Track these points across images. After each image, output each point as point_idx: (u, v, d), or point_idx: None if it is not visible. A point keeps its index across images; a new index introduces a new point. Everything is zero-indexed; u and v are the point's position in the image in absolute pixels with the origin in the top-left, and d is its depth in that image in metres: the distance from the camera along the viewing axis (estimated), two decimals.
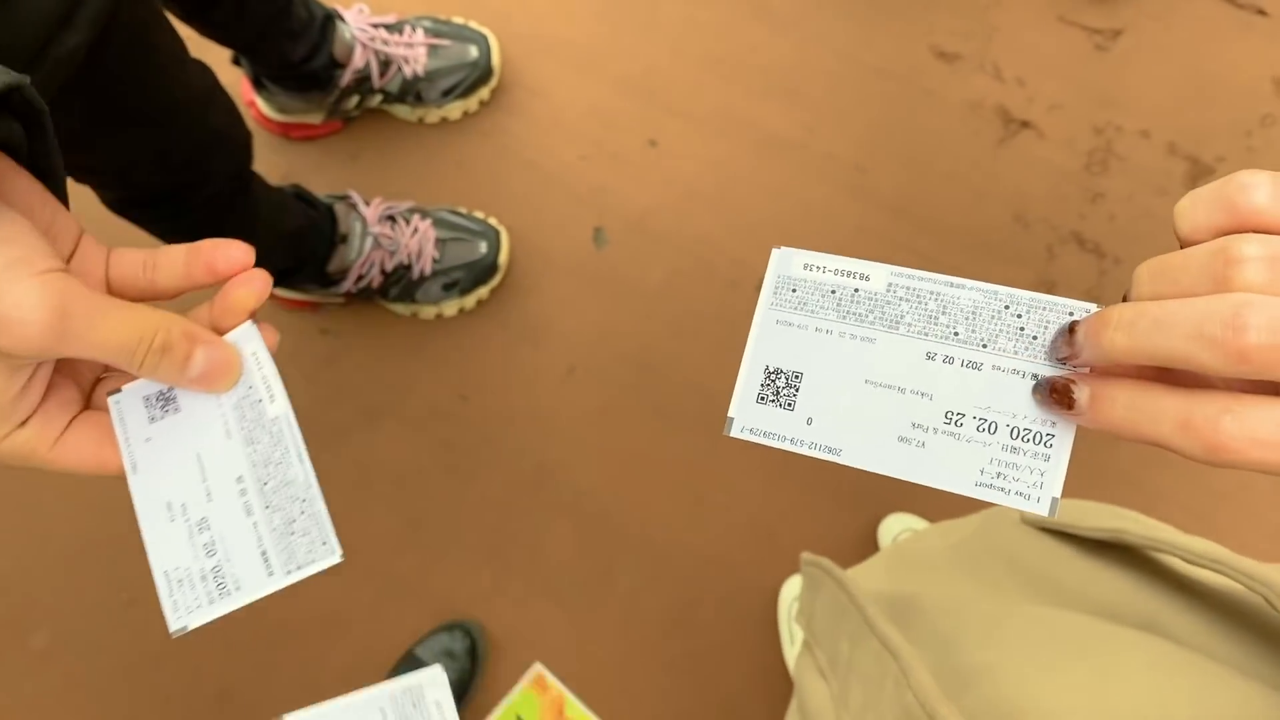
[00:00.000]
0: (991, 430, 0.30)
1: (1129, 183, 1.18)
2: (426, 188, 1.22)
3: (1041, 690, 0.42)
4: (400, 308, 1.19)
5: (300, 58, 1.09)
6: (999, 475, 0.29)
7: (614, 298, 1.20)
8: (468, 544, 1.17)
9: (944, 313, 0.31)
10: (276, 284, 1.06)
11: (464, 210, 1.19)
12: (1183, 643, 0.46)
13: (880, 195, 1.19)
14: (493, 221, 1.19)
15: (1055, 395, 0.29)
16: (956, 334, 0.30)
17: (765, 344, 0.34)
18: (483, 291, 1.19)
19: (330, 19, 1.11)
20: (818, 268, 0.33)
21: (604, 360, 1.19)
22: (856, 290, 0.32)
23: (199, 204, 0.83)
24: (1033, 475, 0.29)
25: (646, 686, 1.14)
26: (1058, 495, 0.29)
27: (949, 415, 0.30)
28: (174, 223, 0.84)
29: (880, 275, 0.32)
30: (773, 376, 0.33)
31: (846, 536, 1.15)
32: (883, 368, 0.31)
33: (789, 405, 0.33)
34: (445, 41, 1.19)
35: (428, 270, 1.15)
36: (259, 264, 0.33)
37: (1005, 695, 0.42)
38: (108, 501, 1.19)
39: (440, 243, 1.16)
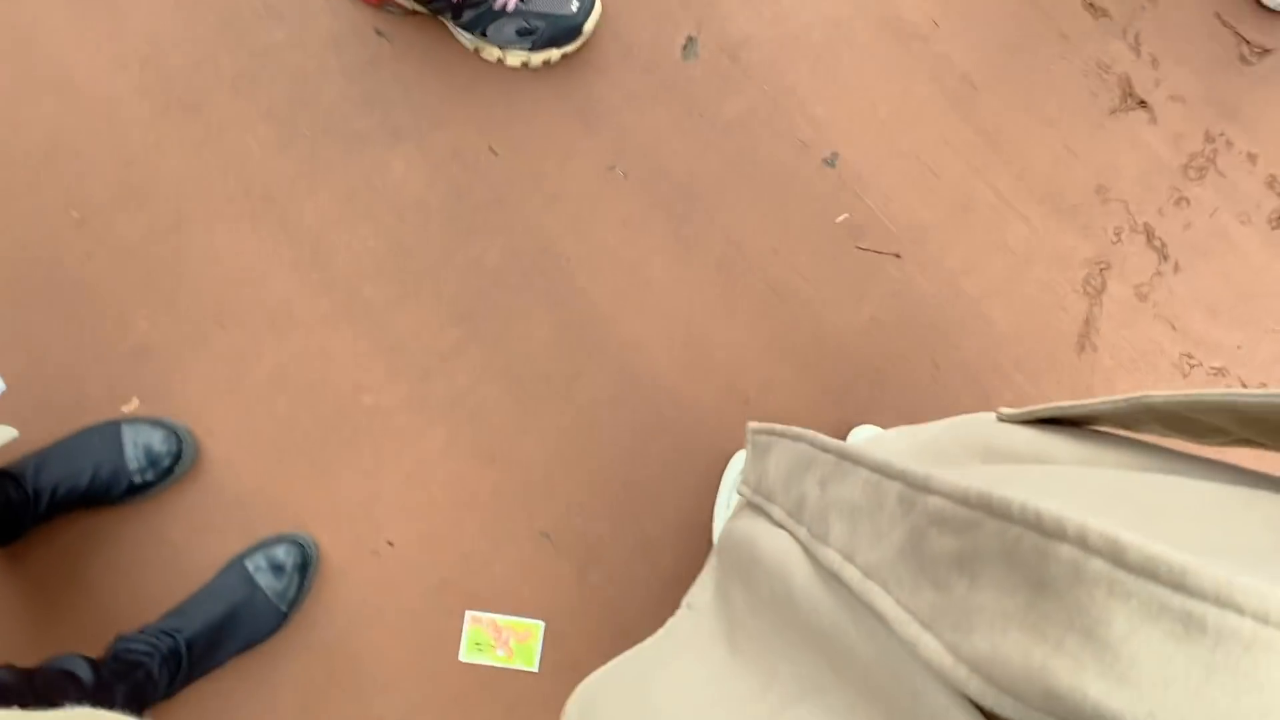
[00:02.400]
0: None
1: (1218, 198, 1.14)
2: None
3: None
4: (466, 38, 1.12)
5: None
6: None
7: (682, 114, 1.14)
8: (445, 296, 1.11)
9: None
10: None
11: None
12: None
13: (979, 115, 1.14)
14: None
15: None
16: None
17: None
18: (554, 53, 1.12)
19: None
20: None
21: (648, 170, 1.13)
22: None
23: None
24: None
25: (571, 499, 1.09)
26: None
27: None
28: None
29: None
30: None
31: (818, 428, 1.11)
32: None
33: None
34: None
35: (510, 6, 1.07)
36: None
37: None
38: (94, 106, 1.10)
39: None
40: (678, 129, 1.13)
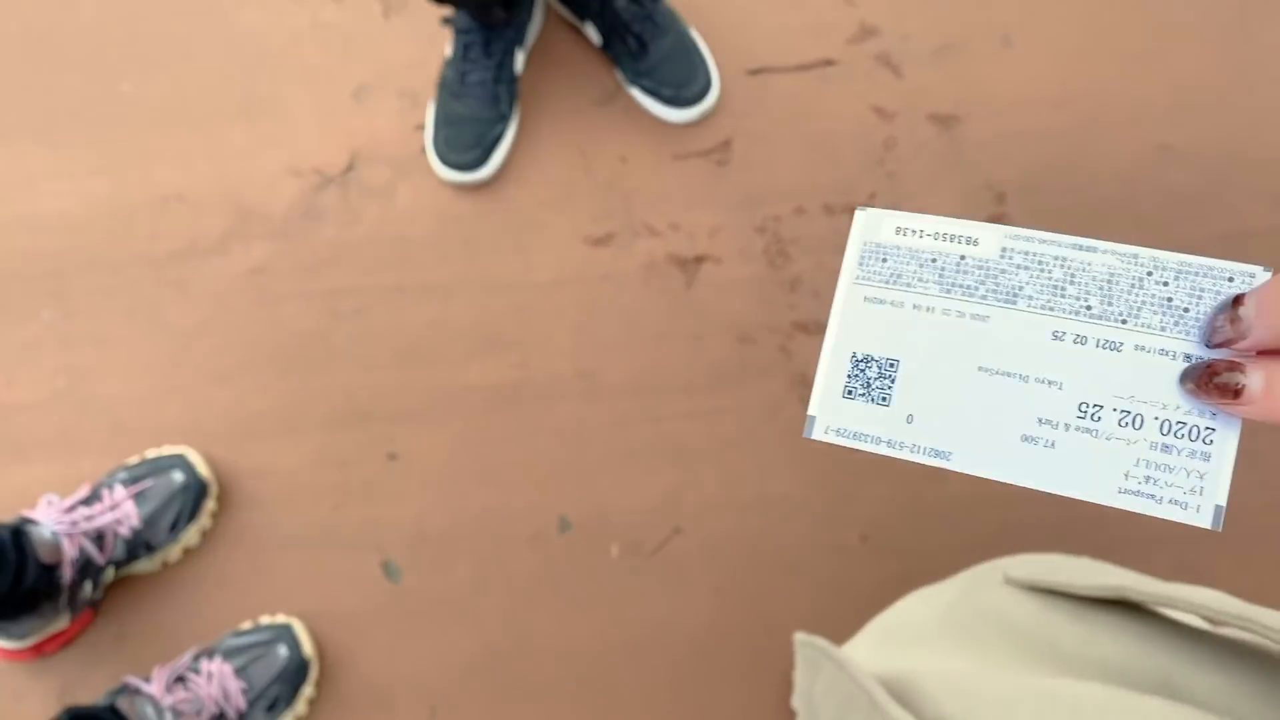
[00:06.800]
0: (1136, 425, 0.25)
1: (811, 254, 1.23)
2: (205, 622, 1.15)
3: None
4: None
5: (6, 588, 1.03)
6: (1147, 479, 0.24)
7: (435, 623, 1.15)
8: None
9: (1072, 282, 0.26)
10: None
11: (248, 625, 1.13)
12: (1204, 704, 0.44)
13: (613, 386, 1.20)
14: (281, 619, 1.13)
15: (1217, 385, 0.23)
16: (1089, 308, 0.26)
17: (851, 326, 0.29)
18: (308, 690, 1.12)
19: (20, 531, 1.06)
20: (914, 231, 0.29)
21: (467, 695, 1.13)
22: (963, 258, 0.28)
23: None
24: (1189, 479, 0.24)
25: None
26: (1222, 504, 0.24)
27: (1083, 408, 0.25)
28: None
29: (992, 239, 0.27)
30: (862, 365, 0.28)
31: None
32: (999, 351, 0.26)
33: (883, 400, 0.28)
34: (147, 483, 1.15)
35: (242, 706, 1.08)
36: None
37: None
38: None
39: (239, 670, 1.09)
40: (444, 640, 1.15)
